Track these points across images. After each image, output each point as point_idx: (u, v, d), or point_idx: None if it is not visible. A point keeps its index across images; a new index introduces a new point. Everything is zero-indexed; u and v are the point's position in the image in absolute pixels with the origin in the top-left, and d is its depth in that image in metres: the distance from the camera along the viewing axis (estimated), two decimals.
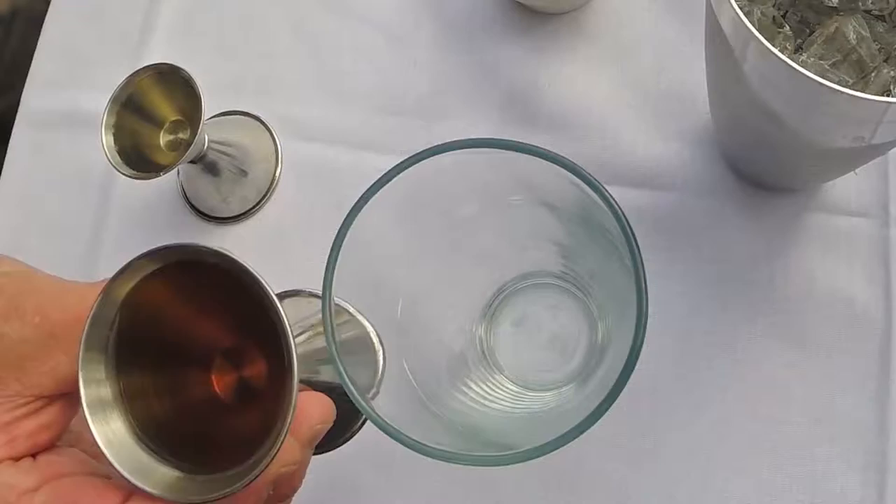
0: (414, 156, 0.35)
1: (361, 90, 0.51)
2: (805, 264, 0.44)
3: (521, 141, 0.34)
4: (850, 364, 0.43)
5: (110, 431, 0.26)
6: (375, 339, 0.36)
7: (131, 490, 0.26)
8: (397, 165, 0.35)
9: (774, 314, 0.44)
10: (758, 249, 0.45)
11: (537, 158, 0.34)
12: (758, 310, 0.44)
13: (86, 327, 0.26)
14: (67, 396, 0.28)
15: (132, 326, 0.27)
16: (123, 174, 0.44)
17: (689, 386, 0.44)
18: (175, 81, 0.45)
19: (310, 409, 0.31)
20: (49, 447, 0.28)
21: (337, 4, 0.53)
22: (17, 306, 0.28)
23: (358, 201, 0.35)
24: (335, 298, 0.33)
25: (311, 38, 0.52)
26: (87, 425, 0.26)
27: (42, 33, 0.54)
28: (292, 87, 0.52)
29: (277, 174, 0.50)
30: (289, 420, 0.26)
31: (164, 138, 0.46)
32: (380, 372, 0.36)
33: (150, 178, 0.44)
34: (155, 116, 0.46)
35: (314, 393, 0.33)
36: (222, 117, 0.52)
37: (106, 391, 0.26)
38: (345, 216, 0.35)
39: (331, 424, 0.33)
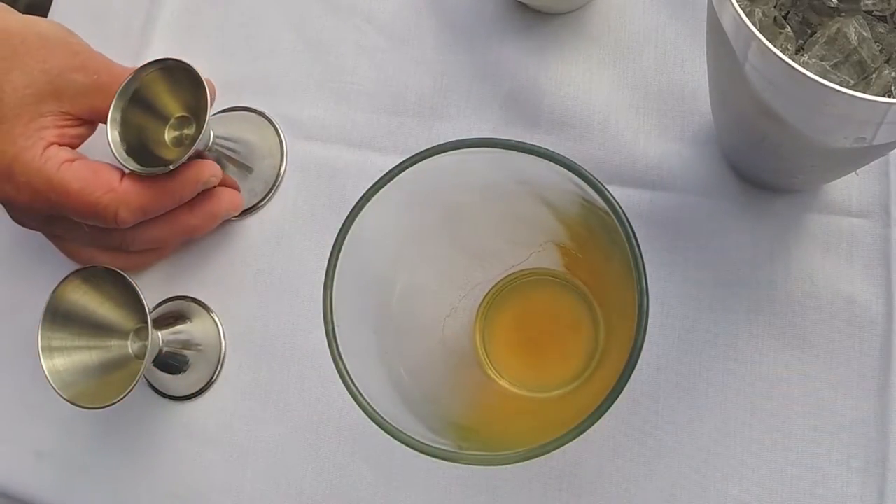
0: (415, 155, 0.35)
1: (363, 90, 0.51)
2: (806, 265, 0.44)
3: (521, 140, 0.34)
4: (850, 364, 0.43)
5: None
6: (223, 339, 0.50)
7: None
8: (398, 165, 0.35)
9: (775, 314, 0.44)
10: (758, 249, 0.45)
11: (538, 158, 0.34)
12: (758, 310, 0.44)
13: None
14: (92, 124, 0.47)
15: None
16: (130, 169, 0.44)
17: (689, 386, 0.44)
18: (180, 77, 0.45)
19: (227, 195, 0.49)
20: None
21: (338, 4, 0.53)
22: (86, 65, 0.46)
23: (359, 200, 0.35)
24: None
25: (312, 37, 0.52)
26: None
27: None
28: (293, 87, 0.52)
29: (283, 170, 0.51)
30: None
31: (169, 134, 0.46)
32: (216, 370, 0.49)
33: (158, 173, 0.44)
34: (160, 112, 0.46)
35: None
36: (227, 113, 0.52)
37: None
38: (346, 215, 0.35)
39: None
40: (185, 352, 0.48)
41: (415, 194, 0.36)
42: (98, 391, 0.44)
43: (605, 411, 0.31)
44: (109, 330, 0.45)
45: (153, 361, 0.46)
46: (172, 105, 0.46)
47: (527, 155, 0.34)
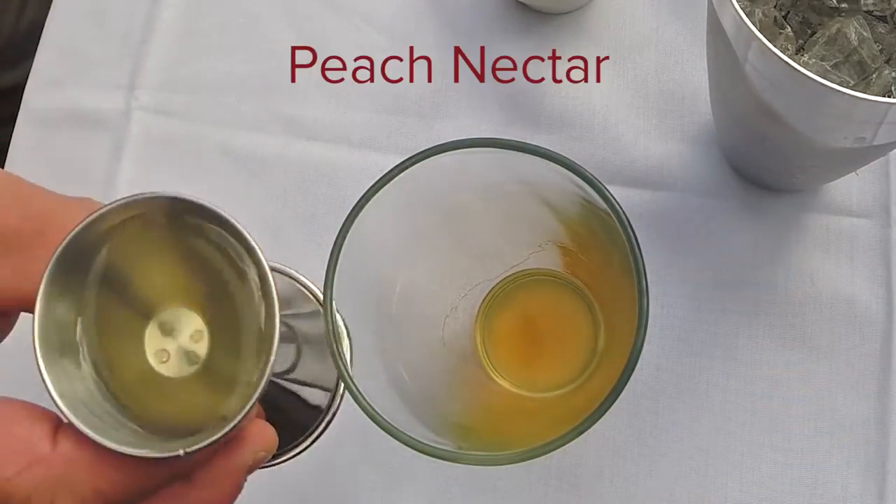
0: (415, 155, 0.35)
1: (363, 89, 0.51)
2: (806, 265, 0.44)
3: (521, 140, 0.34)
4: (851, 364, 0.43)
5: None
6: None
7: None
8: (398, 165, 0.35)
9: (775, 314, 0.44)
10: (759, 250, 0.45)
11: (538, 158, 0.34)
12: (758, 310, 0.44)
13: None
14: (5, 317, 0.27)
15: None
16: (100, 441, 0.24)
17: (690, 386, 0.44)
18: (183, 229, 0.26)
19: (254, 434, 0.29)
20: None
21: (338, 4, 0.53)
22: (26, 210, 0.26)
23: (359, 201, 0.35)
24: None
25: (312, 37, 0.52)
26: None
27: (44, 32, 0.54)
28: (294, 87, 0.52)
29: (339, 399, 0.38)
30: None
31: (152, 343, 0.26)
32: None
33: (165, 458, 0.25)
34: (136, 297, 0.26)
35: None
36: None
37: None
38: (346, 215, 0.35)
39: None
40: None
41: (415, 194, 0.36)
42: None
43: (605, 411, 0.31)
44: None
45: None
46: (160, 283, 0.26)
47: (527, 155, 0.34)
